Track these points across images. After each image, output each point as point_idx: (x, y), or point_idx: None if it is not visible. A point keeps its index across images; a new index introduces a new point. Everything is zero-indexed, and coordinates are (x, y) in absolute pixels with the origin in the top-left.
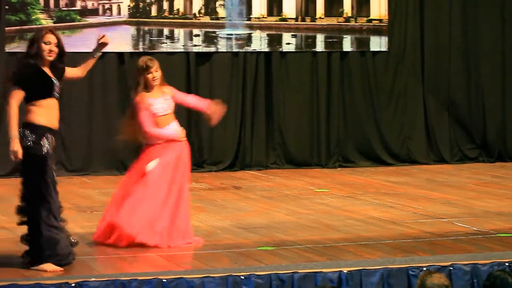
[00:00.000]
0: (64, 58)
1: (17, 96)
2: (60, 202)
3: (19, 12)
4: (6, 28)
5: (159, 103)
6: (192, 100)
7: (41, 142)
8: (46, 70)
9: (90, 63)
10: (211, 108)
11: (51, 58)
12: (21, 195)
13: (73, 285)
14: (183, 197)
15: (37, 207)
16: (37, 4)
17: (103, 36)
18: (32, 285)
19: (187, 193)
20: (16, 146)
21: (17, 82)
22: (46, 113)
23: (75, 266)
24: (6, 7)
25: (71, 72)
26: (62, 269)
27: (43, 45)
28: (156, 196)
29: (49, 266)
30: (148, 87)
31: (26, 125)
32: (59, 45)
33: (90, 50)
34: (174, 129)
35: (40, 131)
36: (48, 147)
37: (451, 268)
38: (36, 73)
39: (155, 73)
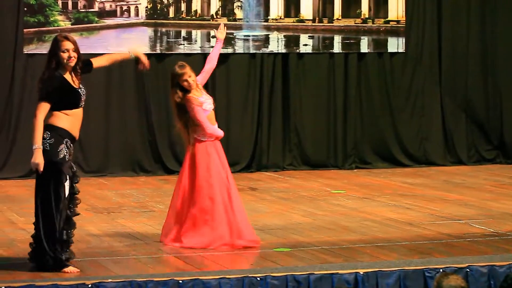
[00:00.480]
0: (79, 62)
1: (44, 109)
2: (74, 207)
3: (38, 14)
4: (25, 30)
5: (207, 100)
6: (208, 65)
7: (59, 147)
8: (69, 77)
9: (120, 58)
10: (221, 38)
11: (72, 64)
12: (35, 198)
13: (89, 286)
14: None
15: (48, 212)
16: (55, 5)
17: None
18: (50, 286)
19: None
20: (38, 159)
21: (44, 96)
22: (71, 121)
23: (91, 267)
24: (25, 8)
25: (97, 63)
26: (79, 270)
27: (61, 54)
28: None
29: (69, 269)
30: (187, 91)
31: (46, 128)
32: (76, 49)
33: (107, 51)
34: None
35: (60, 134)
36: (66, 154)
37: (468, 270)
38: (62, 85)
39: (190, 79)
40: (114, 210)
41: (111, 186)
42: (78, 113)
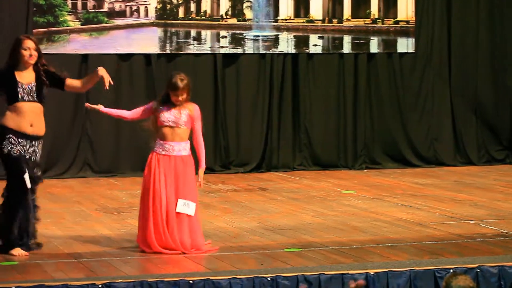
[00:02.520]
0: (41, 60)
1: None
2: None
3: (47, 14)
4: (34, 30)
5: (168, 114)
6: (195, 143)
7: (3, 143)
8: (27, 73)
9: (93, 81)
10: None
11: (32, 62)
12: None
13: (100, 286)
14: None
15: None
16: (65, 6)
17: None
18: (60, 286)
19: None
20: None
21: None
22: (14, 116)
23: (102, 267)
24: (34, 9)
25: (71, 82)
26: (27, 253)
27: (22, 51)
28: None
29: (16, 251)
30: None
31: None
32: (38, 49)
33: (117, 52)
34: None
35: (3, 132)
36: (9, 149)
37: (478, 270)
38: (4, 78)
39: (181, 97)
40: (124, 210)
41: (121, 186)
42: (23, 107)
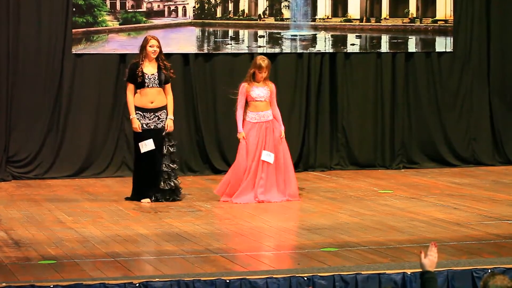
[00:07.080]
0: (161, 55)
1: (129, 88)
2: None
3: (86, 14)
4: (73, 30)
5: (258, 90)
6: (273, 112)
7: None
8: (151, 65)
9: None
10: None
11: (154, 56)
12: None
13: (137, 285)
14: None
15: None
16: (103, 6)
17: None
18: (97, 285)
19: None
20: (134, 124)
21: (127, 78)
22: (140, 97)
23: (139, 266)
24: (73, 9)
25: (166, 88)
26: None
27: (148, 47)
28: None
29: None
30: (255, 80)
31: None
32: (159, 46)
33: None
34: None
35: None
36: (140, 122)
37: None
38: (135, 71)
39: (264, 74)
40: (162, 209)
41: None
42: (145, 91)
